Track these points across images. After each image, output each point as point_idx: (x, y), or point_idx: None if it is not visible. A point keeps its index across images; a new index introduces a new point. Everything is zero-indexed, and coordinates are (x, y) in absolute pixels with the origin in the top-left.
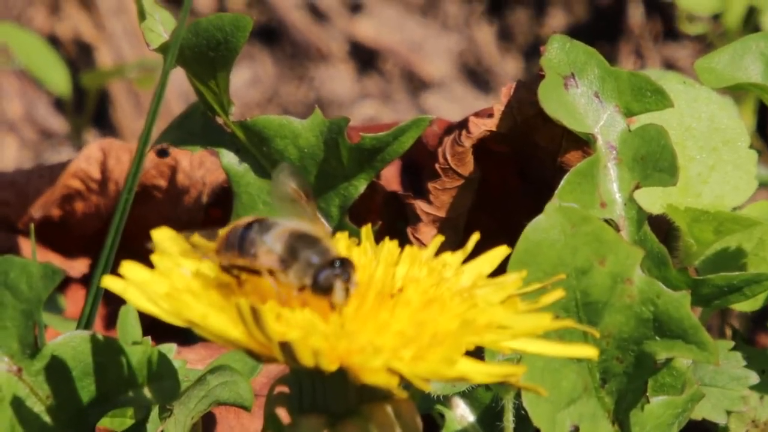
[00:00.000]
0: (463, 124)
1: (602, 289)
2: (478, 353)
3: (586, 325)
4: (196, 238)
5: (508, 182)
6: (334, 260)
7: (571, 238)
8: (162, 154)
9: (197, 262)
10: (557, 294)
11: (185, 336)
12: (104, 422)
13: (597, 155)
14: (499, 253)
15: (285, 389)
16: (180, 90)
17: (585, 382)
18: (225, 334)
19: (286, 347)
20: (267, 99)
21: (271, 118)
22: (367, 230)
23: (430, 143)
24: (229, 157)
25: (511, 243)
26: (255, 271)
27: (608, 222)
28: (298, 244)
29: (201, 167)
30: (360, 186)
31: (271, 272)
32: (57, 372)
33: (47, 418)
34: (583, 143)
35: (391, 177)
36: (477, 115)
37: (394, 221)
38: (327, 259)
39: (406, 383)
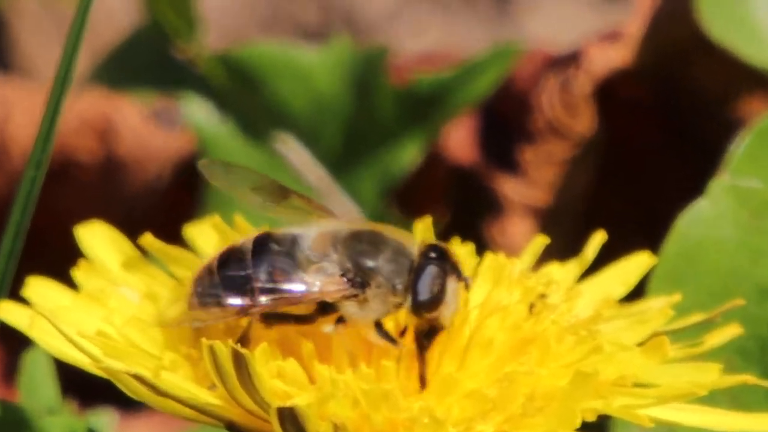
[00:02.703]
0: (577, 57)
1: None
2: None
3: None
4: (150, 240)
5: (649, 147)
6: (427, 251)
7: (754, 237)
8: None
9: (151, 281)
10: (732, 330)
11: (129, 398)
12: None
13: None
14: (637, 263)
15: None
16: (116, 4)
17: None
18: (190, 398)
19: (288, 417)
20: (261, 20)
21: (267, 47)
22: (424, 225)
23: (524, 87)
24: (199, 111)
25: (656, 245)
26: (297, 317)
27: None
28: (362, 247)
29: (156, 129)
30: (410, 154)
31: (326, 310)
32: None
33: None
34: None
35: (461, 141)
36: (599, 40)
37: (466, 210)
38: (413, 256)
39: None
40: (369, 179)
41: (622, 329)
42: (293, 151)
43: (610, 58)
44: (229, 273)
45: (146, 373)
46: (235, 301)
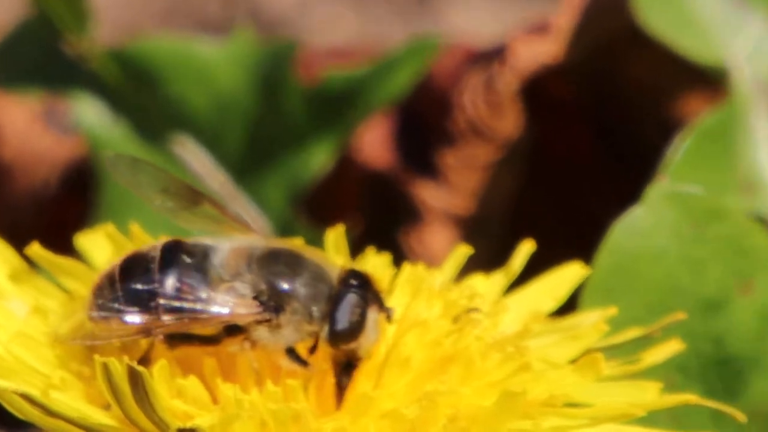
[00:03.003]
0: (502, 52)
1: (747, 335)
2: None
3: (720, 398)
4: (38, 250)
5: (581, 150)
6: (347, 277)
7: (693, 247)
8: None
9: (39, 294)
10: (672, 346)
11: (18, 422)
12: None
13: (736, 102)
14: (569, 274)
15: None
16: None
17: None
18: (82, 418)
19: None
20: (157, 12)
21: (164, 41)
22: (336, 234)
23: (444, 85)
24: (90, 112)
25: (588, 255)
26: (201, 338)
27: (757, 219)
28: (279, 268)
29: (44, 131)
30: (320, 157)
31: (234, 331)
32: None
33: None
34: (710, 82)
35: (376, 143)
36: (525, 34)
37: (382, 218)
38: (333, 282)
39: None
40: (276, 185)
41: (553, 345)
42: (193, 154)
43: (537, 53)
44: (132, 285)
45: (34, 392)
46: (136, 318)
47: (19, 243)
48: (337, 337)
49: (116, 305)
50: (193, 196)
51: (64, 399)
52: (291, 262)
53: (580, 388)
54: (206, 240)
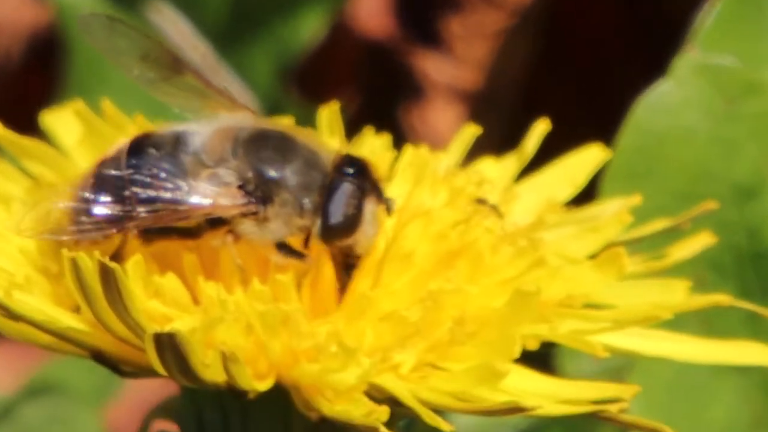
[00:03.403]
0: None
1: None
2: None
3: (756, 298)
4: (0, 130)
5: (601, 17)
6: (342, 164)
7: (726, 126)
8: None
9: (1, 179)
10: (702, 239)
11: None
12: None
13: None
14: (587, 158)
15: (169, 428)
16: None
17: (755, 410)
18: (48, 321)
19: (166, 345)
20: None
21: None
22: (330, 112)
23: None
24: None
25: (609, 137)
26: (180, 231)
27: None
28: (268, 153)
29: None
30: (311, 25)
31: (216, 223)
32: None
33: None
34: None
35: (373, 9)
36: None
37: (381, 94)
38: (327, 170)
39: (404, 415)
40: (262, 56)
41: (570, 238)
42: (170, 22)
43: None
44: (102, 173)
45: None
46: (106, 210)
47: None
48: (330, 233)
49: (85, 194)
50: (175, 64)
51: (29, 300)
52: (281, 147)
53: (601, 287)
54: (184, 125)
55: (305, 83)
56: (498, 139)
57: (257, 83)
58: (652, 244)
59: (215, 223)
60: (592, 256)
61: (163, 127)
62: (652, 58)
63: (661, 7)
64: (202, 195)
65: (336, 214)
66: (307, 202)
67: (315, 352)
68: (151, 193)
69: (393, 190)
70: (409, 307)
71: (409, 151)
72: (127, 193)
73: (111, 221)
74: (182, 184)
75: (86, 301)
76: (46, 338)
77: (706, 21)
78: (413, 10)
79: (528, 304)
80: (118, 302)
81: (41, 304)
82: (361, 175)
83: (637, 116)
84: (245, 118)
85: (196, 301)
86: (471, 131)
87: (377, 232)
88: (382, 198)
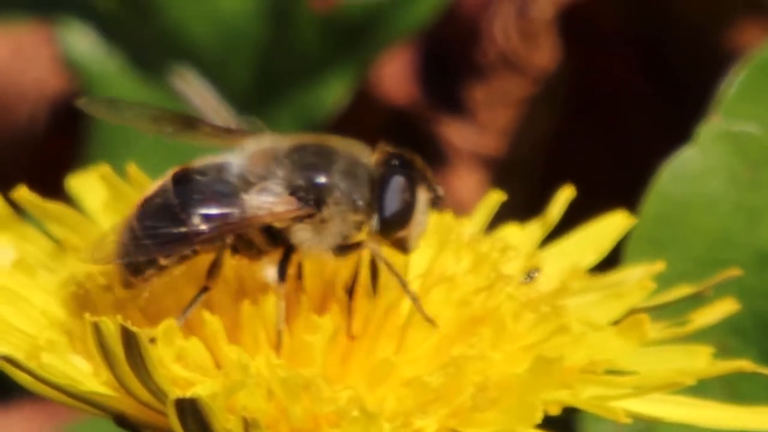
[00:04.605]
0: None
1: None
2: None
3: None
4: (25, 194)
5: (624, 85)
6: (388, 159)
7: (749, 193)
8: None
9: (25, 243)
10: (726, 306)
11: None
12: None
13: None
14: (612, 224)
15: None
16: None
17: None
18: (71, 385)
19: (188, 410)
20: None
21: None
22: None
23: (473, 12)
24: (81, 41)
25: (633, 203)
26: (244, 247)
27: None
28: (311, 160)
29: (27, 62)
30: (336, 92)
31: (274, 240)
32: None
33: None
34: (766, 9)
35: (397, 77)
36: None
37: None
38: (371, 166)
39: None
40: (287, 122)
41: (593, 305)
42: (194, 88)
43: None
44: (150, 205)
45: (19, 355)
46: (166, 231)
47: (3, 186)
48: (388, 225)
49: (136, 224)
50: (187, 121)
51: (52, 362)
52: (321, 152)
53: (623, 354)
54: (219, 156)
55: None
56: (522, 205)
57: None
58: (676, 311)
59: (274, 239)
60: (615, 323)
61: (200, 161)
62: (676, 125)
63: (686, 74)
64: (257, 206)
65: (392, 206)
66: (358, 198)
67: (336, 417)
68: (206, 210)
69: (417, 255)
70: (432, 372)
71: (433, 217)
72: (183, 215)
73: (174, 241)
74: (235, 200)
75: (108, 365)
76: (70, 400)
77: (730, 88)
78: (436, 77)
79: (550, 370)
80: (140, 367)
81: (64, 367)
82: (409, 166)
83: (661, 183)
84: (276, 138)
85: (218, 365)
86: (495, 198)
87: (428, 223)
88: (432, 186)
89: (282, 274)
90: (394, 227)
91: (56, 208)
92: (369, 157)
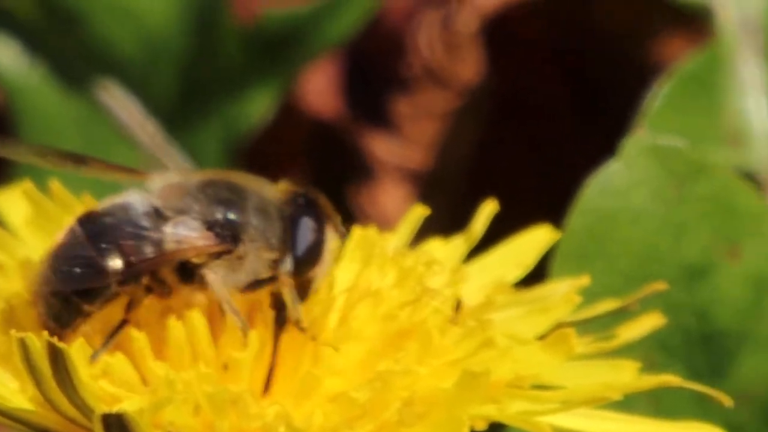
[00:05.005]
0: None
1: (734, 306)
2: None
3: (704, 378)
4: None
5: (548, 98)
6: (295, 198)
7: (675, 208)
8: None
9: None
10: (651, 320)
11: None
12: None
13: (720, 44)
14: (536, 239)
15: None
16: None
17: None
18: None
19: (114, 426)
20: None
21: None
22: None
23: (396, 24)
24: (4, 54)
25: (558, 218)
26: (155, 285)
27: (744, 175)
28: (225, 195)
29: None
30: (260, 105)
31: (187, 277)
32: None
33: None
34: (692, 22)
35: (321, 90)
36: None
37: (329, 174)
38: (280, 204)
39: None
40: (211, 135)
41: (519, 319)
42: (118, 101)
43: None
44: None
45: None
46: (78, 270)
47: None
48: (301, 263)
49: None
50: (77, 158)
51: None
52: (232, 188)
53: (550, 368)
54: (122, 196)
55: (254, 163)
56: (446, 219)
57: (206, 162)
58: (601, 325)
59: (186, 274)
60: (541, 337)
61: (104, 203)
62: (601, 138)
63: (610, 87)
64: (176, 240)
65: (304, 245)
66: (271, 236)
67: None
68: (122, 248)
69: (342, 270)
70: (358, 387)
71: (357, 231)
72: (97, 256)
73: (90, 281)
74: (150, 235)
75: (35, 381)
76: None
77: (654, 101)
78: (361, 90)
79: (476, 384)
80: (66, 383)
81: None
82: (316, 206)
83: (586, 197)
84: (181, 174)
85: (144, 381)
86: (419, 212)
87: (333, 263)
88: (338, 227)
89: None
90: (307, 266)
91: None
92: (274, 193)
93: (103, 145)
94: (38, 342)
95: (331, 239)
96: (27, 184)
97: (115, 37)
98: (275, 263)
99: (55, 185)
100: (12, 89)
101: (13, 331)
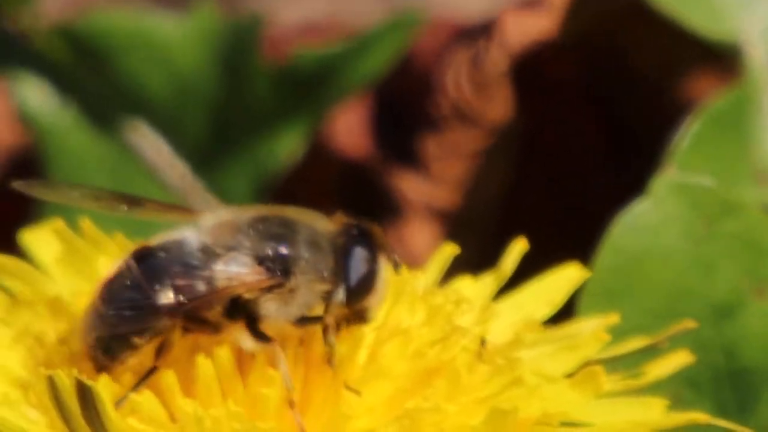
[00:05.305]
0: (490, 28)
1: (763, 344)
2: None
3: (732, 415)
4: None
5: (578, 137)
6: (348, 229)
7: (703, 246)
8: None
9: None
10: (680, 358)
11: None
12: None
13: (749, 83)
14: (565, 277)
15: None
16: None
17: None
18: None
19: None
20: None
21: (117, 17)
22: None
23: (426, 65)
24: (34, 95)
25: (587, 256)
26: (203, 325)
27: None
28: (275, 230)
29: None
30: (290, 145)
31: (235, 313)
32: None
33: None
34: (721, 61)
35: (351, 129)
36: (516, 8)
37: (358, 213)
38: (332, 236)
39: None
40: (241, 175)
41: (548, 357)
42: (148, 142)
43: (528, 28)
44: (113, 287)
45: None
46: (130, 311)
47: None
48: (354, 293)
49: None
50: (131, 199)
51: (7, 416)
52: (283, 223)
53: (578, 406)
54: (176, 232)
55: (283, 202)
56: (476, 258)
57: (235, 201)
58: (630, 363)
59: (235, 311)
60: (570, 375)
61: (157, 238)
62: (630, 177)
63: (639, 126)
64: (227, 277)
65: (357, 276)
66: (323, 268)
67: None
68: (176, 283)
69: None
70: (387, 425)
71: (387, 270)
72: (151, 290)
73: (143, 314)
74: (202, 273)
75: (63, 419)
76: None
77: (683, 140)
78: (390, 129)
79: (505, 422)
80: (95, 420)
81: (18, 420)
82: (369, 235)
83: (615, 236)
84: (234, 211)
85: (173, 418)
86: (449, 250)
87: (386, 292)
88: (390, 255)
89: (263, 336)
90: (360, 296)
91: (10, 262)
92: (327, 225)
93: (132, 186)
94: (67, 379)
95: (385, 269)
96: (57, 223)
97: (145, 78)
98: (328, 294)
99: (86, 223)
100: (42, 130)
101: (42, 368)
